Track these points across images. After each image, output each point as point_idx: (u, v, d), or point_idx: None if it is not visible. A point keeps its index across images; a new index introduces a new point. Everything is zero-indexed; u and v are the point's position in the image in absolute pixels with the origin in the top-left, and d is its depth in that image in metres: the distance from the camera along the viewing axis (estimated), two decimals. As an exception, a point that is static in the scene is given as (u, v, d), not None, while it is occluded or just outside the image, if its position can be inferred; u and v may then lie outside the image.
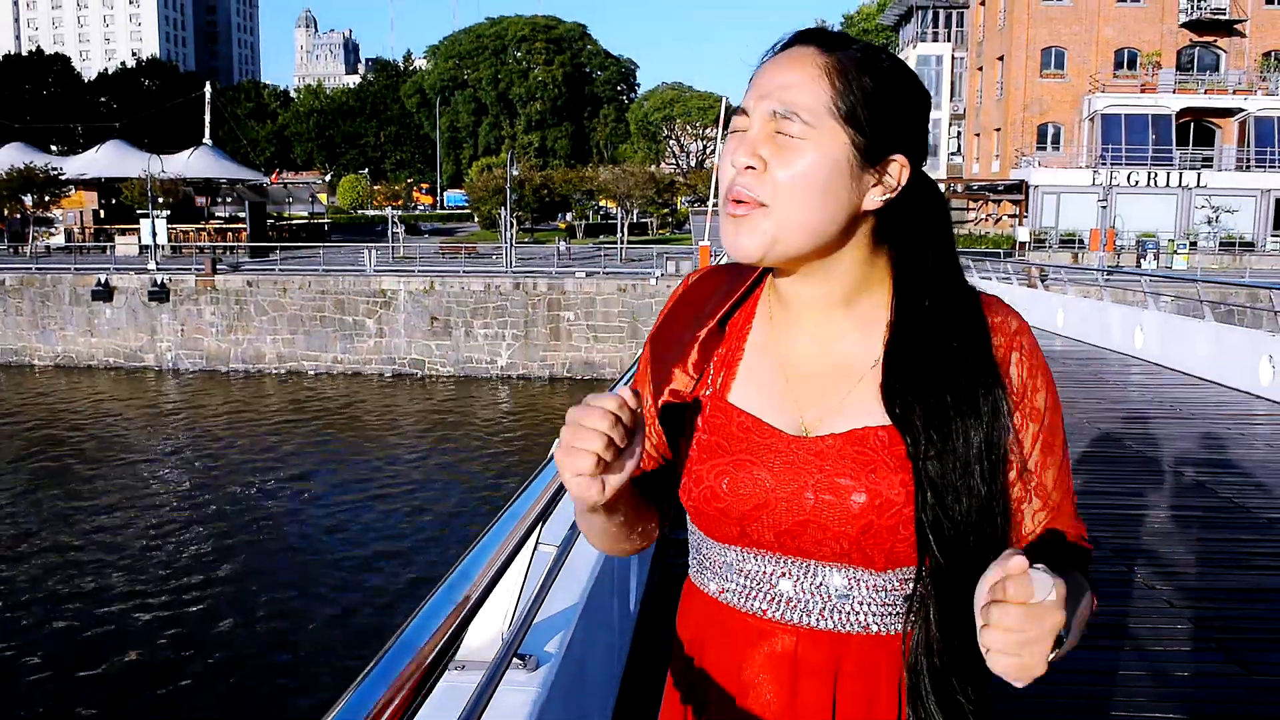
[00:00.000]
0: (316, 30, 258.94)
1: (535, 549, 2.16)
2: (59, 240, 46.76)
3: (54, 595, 13.80)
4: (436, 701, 1.99)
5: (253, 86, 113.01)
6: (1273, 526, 5.87)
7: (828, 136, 1.17)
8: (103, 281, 31.89)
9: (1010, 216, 50.40)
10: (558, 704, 2.25)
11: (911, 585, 1.20)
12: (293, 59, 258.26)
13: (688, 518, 1.35)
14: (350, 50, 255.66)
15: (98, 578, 14.44)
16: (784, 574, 1.24)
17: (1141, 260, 41.11)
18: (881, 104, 1.19)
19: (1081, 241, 43.98)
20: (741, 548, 1.26)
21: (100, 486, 19.47)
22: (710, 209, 39.39)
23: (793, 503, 1.21)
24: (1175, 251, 40.92)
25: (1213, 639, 4.19)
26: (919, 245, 1.26)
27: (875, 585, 1.22)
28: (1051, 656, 0.99)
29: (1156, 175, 46.36)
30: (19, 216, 46.58)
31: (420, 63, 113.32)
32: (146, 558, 15.34)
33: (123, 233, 45.86)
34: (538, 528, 2.08)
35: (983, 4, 54.01)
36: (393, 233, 47.23)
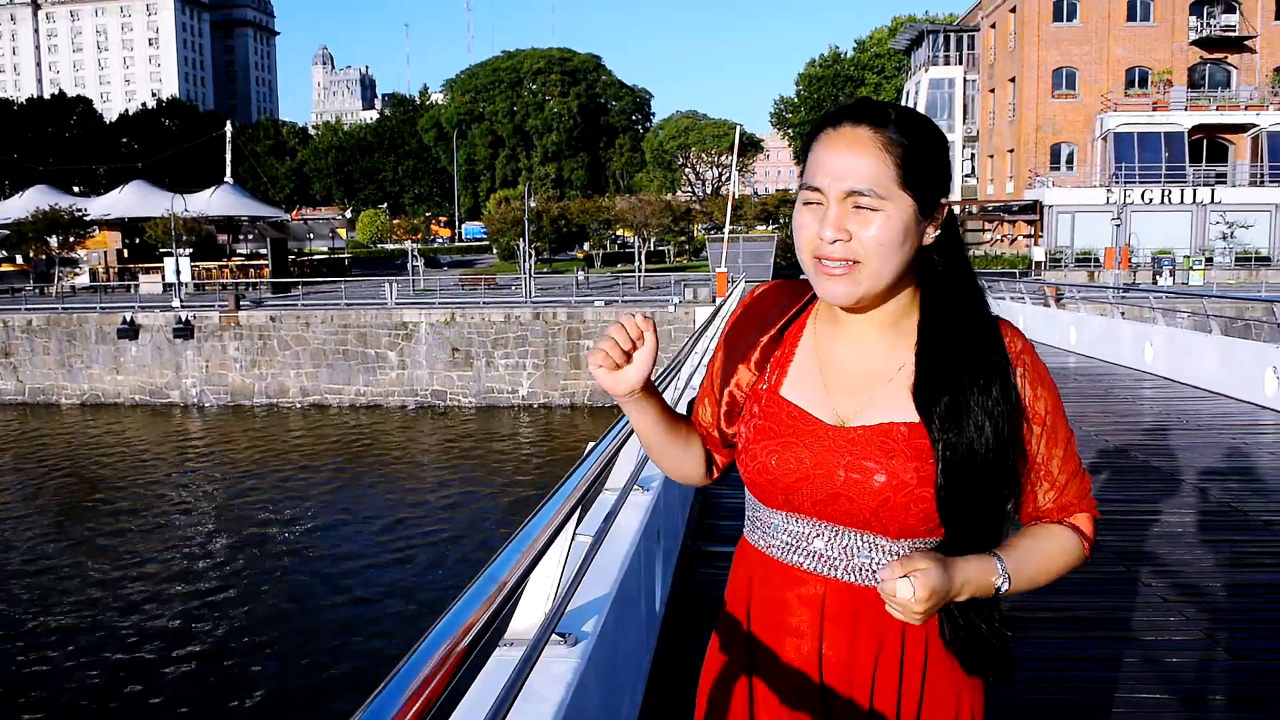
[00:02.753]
0: (333, 67, 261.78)
1: (573, 538, 2.46)
2: (84, 280, 47.40)
3: (85, 629, 14.12)
4: (489, 672, 2.31)
5: (271, 124, 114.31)
6: (1268, 529, 6.13)
7: (897, 204, 1.46)
8: (128, 320, 32.43)
9: (1025, 237, 50.57)
10: (594, 676, 2.55)
11: None
12: (310, 96, 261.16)
13: (746, 489, 1.69)
14: (367, 86, 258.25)
15: (127, 612, 14.76)
16: (818, 535, 1.57)
17: (1158, 277, 41.19)
18: (928, 164, 1.48)
19: (1097, 260, 44.11)
20: (786, 512, 1.60)
21: (128, 522, 19.83)
22: (726, 235, 39.72)
23: (827, 478, 1.53)
24: (1191, 268, 41.01)
25: (1201, 628, 4.46)
26: (945, 268, 1.58)
27: (890, 550, 1.54)
28: (993, 596, 1.50)
29: (1171, 192, 46.53)
30: (44, 257, 47.33)
31: (437, 97, 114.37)
32: (175, 591, 15.66)
33: (146, 271, 46.47)
34: (575, 518, 2.38)
35: (993, 27, 54.42)
36: (412, 266, 47.72)
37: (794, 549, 1.59)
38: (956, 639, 1.54)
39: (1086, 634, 4.45)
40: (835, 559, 1.56)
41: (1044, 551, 1.55)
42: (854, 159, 1.46)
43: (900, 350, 1.57)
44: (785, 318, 1.67)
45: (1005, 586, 1.49)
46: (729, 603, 1.71)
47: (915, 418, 1.50)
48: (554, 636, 2.53)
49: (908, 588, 1.38)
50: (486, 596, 1.60)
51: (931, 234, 1.52)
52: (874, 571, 1.54)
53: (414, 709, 1.21)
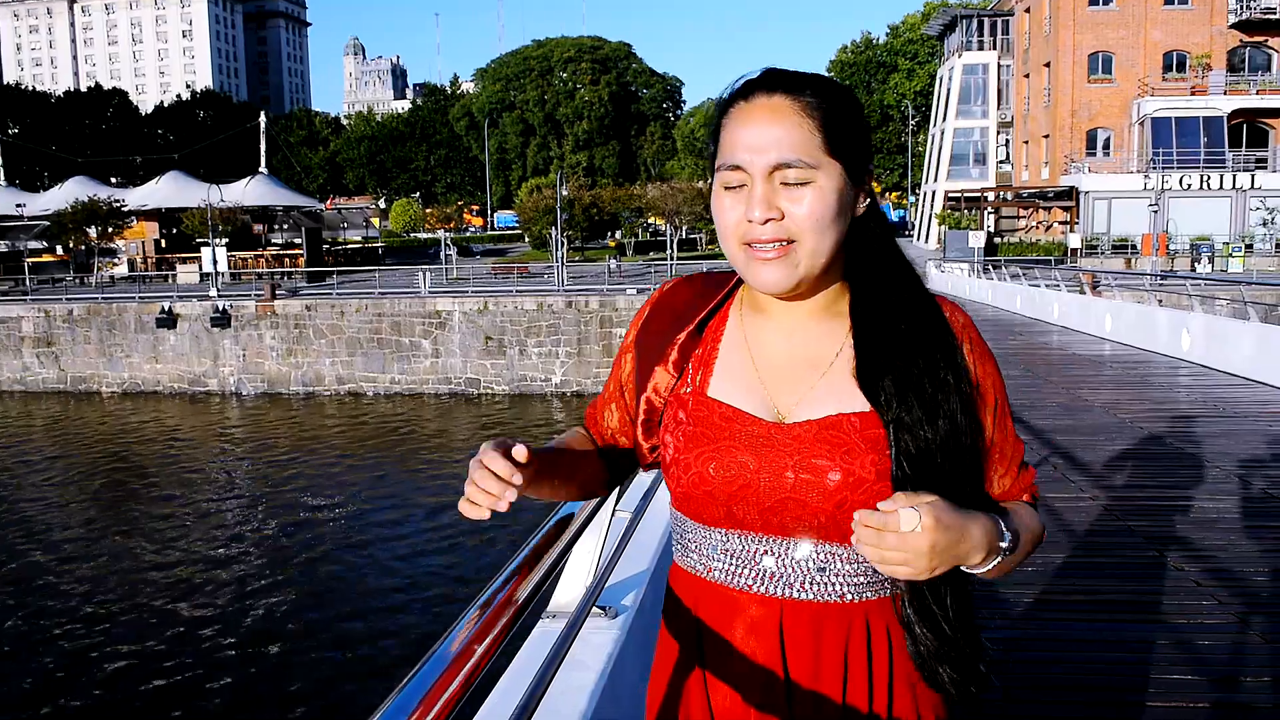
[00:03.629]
0: (365, 57, 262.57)
1: (613, 514, 2.54)
2: (122, 270, 48.05)
3: (128, 612, 14.39)
4: (533, 643, 2.40)
5: (304, 114, 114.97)
6: (1305, 514, 6.12)
7: (827, 172, 1.34)
8: (166, 309, 32.86)
9: (1061, 223, 50.13)
10: (633, 649, 2.63)
11: None
12: (342, 86, 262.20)
13: (670, 506, 1.53)
14: (398, 76, 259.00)
15: (170, 596, 15.03)
16: (766, 551, 1.40)
17: (1196, 264, 40.71)
18: (850, 127, 1.37)
19: (1134, 247, 43.67)
20: (726, 529, 1.42)
21: (167, 510, 20.14)
22: (758, 223, 39.61)
23: (774, 482, 1.37)
24: (1231, 255, 40.54)
25: (1235, 613, 4.47)
26: (870, 240, 1.45)
27: (847, 558, 1.38)
28: (990, 566, 1.29)
29: (1209, 178, 45.97)
30: (84, 248, 48.01)
31: (468, 86, 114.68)
32: (217, 574, 15.91)
33: (184, 261, 47.07)
34: (615, 494, 2.45)
35: (1028, 11, 53.90)
36: (445, 255, 48.00)
37: (738, 572, 1.42)
38: (933, 655, 1.38)
39: (1116, 616, 4.48)
40: (788, 575, 1.39)
41: (1022, 521, 1.40)
42: (774, 129, 1.34)
43: (836, 335, 1.44)
44: (703, 312, 1.52)
45: (1009, 548, 1.31)
46: (677, 620, 1.52)
47: (866, 406, 1.37)
48: (595, 609, 2.61)
49: (912, 516, 1.19)
50: (530, 569, 1.65)
51: (863, 205, 1.41)
52: (830, 585, 1.39)
53: (460, 675, 1.26)
